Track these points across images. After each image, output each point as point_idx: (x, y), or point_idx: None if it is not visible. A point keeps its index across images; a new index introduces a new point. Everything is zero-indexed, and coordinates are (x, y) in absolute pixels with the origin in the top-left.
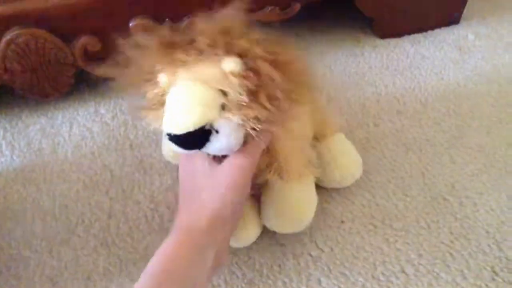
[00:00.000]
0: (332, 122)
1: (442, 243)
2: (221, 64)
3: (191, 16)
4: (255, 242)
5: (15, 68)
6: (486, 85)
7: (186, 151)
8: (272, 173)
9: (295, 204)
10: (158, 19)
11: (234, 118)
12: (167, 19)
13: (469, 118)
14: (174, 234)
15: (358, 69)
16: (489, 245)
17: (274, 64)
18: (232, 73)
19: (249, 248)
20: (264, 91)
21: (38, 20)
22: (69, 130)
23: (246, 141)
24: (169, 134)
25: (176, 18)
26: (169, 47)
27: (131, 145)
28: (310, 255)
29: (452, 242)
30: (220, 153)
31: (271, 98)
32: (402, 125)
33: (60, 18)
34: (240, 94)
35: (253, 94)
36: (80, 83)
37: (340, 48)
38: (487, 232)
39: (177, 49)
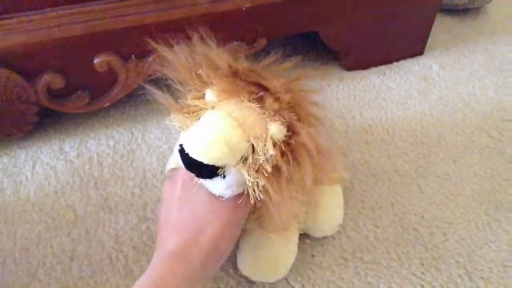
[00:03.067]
0: (333, 172)
1: (413, 274)
2: (269, 123)
3: (154, 53)
4: (222, 281)
5: None
6: (451, 114)
7: (186, 170)
8: (252, 221)
9: (273, 257)
10: (123, 55)
11: (246, 176)
12: (132, 56)
13: (435, 147)
14: (167, 258)
15: (326, 101)
16: (460, 275)
17: (313, 157)
18: (272, 138)
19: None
20: (288, 176)
21: (0, 58)
22: (32, 169)
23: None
24: (182, 148)
25: (141, 54)
26: (239, 76)
27: (96, 183)
28: None
29: (423, 273)
30: (209, 189)
31: (289, 185)
32: (371, 155)
33: (22, 56)
34: (267, 161)
35: (277, 170)
36: (44, 120)
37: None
38: (458, 262)
39: (244, 87)
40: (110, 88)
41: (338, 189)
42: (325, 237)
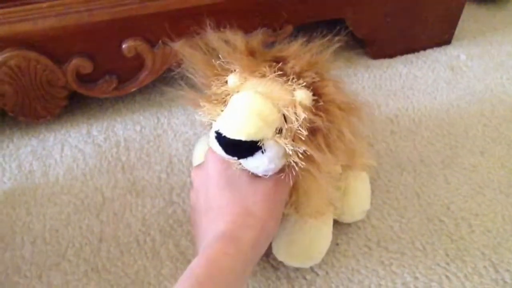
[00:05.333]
0: (361, 158)
1: (438, 265)
2: (295, 91)
3: (183, 38)
4: None
5: (6, 90)
6: (478, 105)
7: (226, 156)
8: (289, 206)
9: (308, 241)
10: (151, 41)
11: (285, 145)
12: (160, 41)
13: (463, 138)
14: (218, 240)
15: (351, 89)
16: (485, 267)
17: (346, 115)
18: (301, 104)
19: None
20: (324, 134)
21: (30, 42)
22: (61, 152)
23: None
24: (218, 134)
25: (169, 40)
26: (256, 55)
27: (123, 167)
28: (305, 278)
29: (448, 264)
30: (253, 171)
31: (328, 144)
32: (397, 145)
33: (52, 40)
34: (301, 126)
35: (312, 133)
36: (72, 104)
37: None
38: (483, 253)
39: (263, 61)
40: (137, 73)
41: (366, 176)
42: (350, 226)
